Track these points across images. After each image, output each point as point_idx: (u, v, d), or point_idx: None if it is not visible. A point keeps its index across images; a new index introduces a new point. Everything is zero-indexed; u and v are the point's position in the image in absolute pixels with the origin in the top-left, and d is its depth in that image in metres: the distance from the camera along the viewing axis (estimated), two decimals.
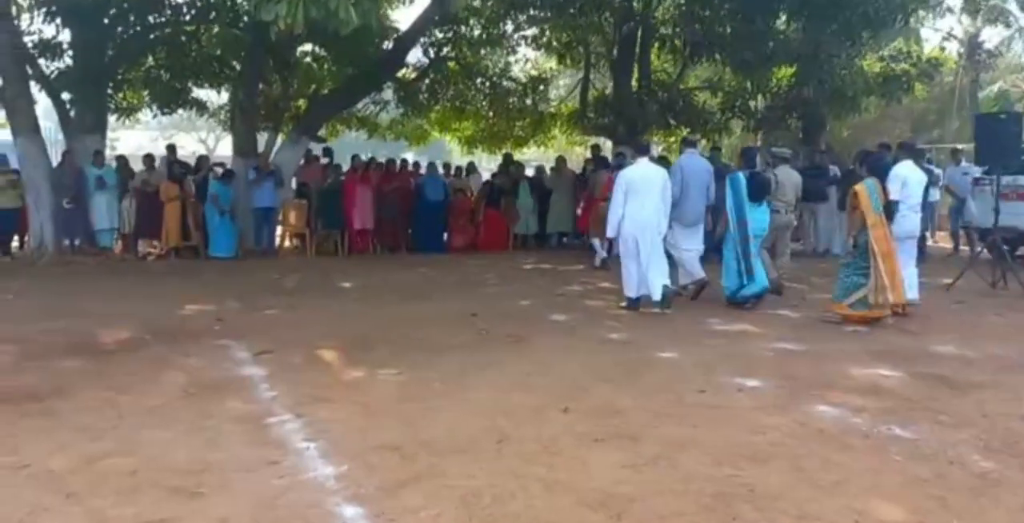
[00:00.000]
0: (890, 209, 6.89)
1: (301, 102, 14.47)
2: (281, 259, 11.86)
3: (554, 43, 15.81)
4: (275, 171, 12.25)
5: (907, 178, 7.19)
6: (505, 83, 15.64)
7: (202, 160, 12.73)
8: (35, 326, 6.62)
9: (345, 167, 12.98)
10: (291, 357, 5.64)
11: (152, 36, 12.30)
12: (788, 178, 8.55)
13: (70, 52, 12.28)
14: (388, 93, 15.34)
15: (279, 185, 12.24)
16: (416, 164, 14.64)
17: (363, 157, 13.54)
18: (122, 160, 12.04)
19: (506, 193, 12.89)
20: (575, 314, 7.40)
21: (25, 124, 11.29)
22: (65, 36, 12.33)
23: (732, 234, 7.48)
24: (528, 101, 15.74)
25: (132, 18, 12.27)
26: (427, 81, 14.83)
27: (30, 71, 11.79)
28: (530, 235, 13.44)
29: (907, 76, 13.26)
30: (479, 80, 15.27)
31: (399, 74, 14.37)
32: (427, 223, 12.72)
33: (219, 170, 12.17)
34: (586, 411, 4.34)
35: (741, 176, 7.57)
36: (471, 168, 14.38)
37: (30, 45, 12.07)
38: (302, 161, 13.10)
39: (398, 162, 13.58)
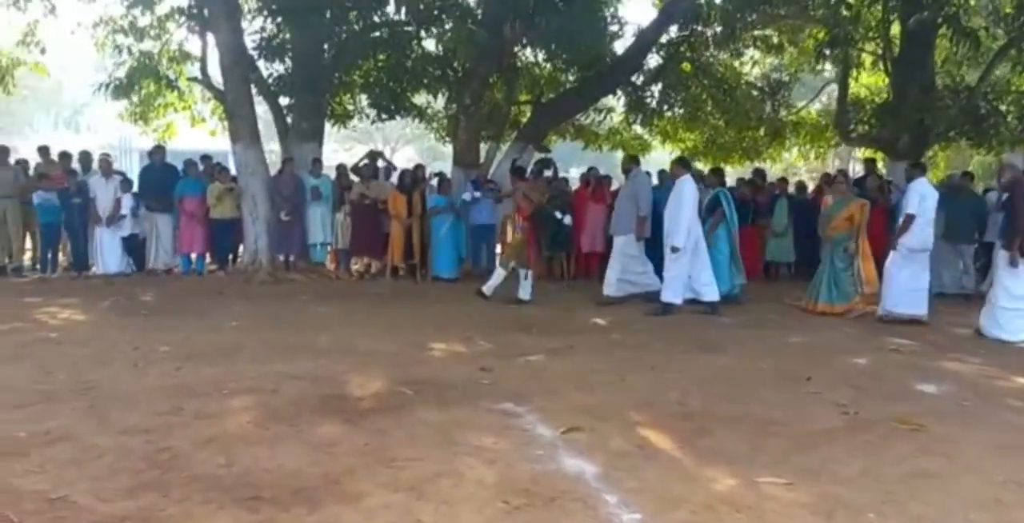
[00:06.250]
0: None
1: (515, 109, 13.21)
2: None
3: (787, 45, 13.84)
4: (495, 185, 10.99)
5: (924, 193, 7.71)
6: (742, 87, 13.73)
7: (419, 170, 11.65)
8: (271, 367, 5.52)
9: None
10: (611, 440, 4.13)
11: (373, 36, 11.38)
12: None
13: (290, 54, 11.57)
14: (609, 99, 13.86)
15: (499, 200, 10.98)
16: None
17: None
18: (341, 169, 11.13)
19: (761, 212, 10.93)
20: (945, 385, 5.50)
21: (245, 130, 10.62)
22: (285, 38, 11.64)
23: (723, 233, 8.77)
24: (767, 107, 13.75)
25: (353, 17, 11.42)
26: (659, 85, 13.16)
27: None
28: (781, 263, 11.49)
29: None
30: (712, 84, 13.44)
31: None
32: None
33: (434, 183, 11.05)
34: None
35: (727, 190, 9.19)
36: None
37: (251, 46, 11.45)
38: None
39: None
